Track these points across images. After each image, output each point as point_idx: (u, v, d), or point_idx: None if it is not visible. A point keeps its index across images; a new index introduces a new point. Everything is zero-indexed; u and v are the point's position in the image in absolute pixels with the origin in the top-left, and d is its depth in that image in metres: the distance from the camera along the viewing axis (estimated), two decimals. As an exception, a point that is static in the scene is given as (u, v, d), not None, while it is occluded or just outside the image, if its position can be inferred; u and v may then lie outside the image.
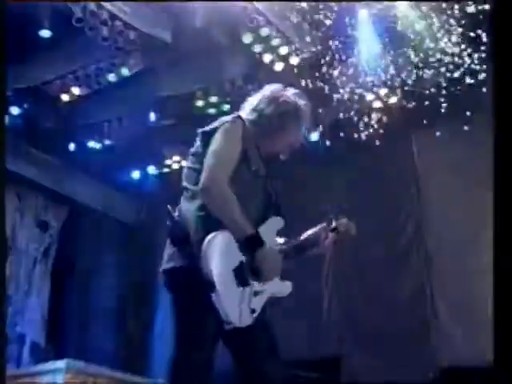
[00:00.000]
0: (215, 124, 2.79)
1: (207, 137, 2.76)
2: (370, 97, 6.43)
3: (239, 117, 2.84)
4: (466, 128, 6.13)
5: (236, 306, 2.52)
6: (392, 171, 6.77)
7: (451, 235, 6.27)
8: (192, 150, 2.86)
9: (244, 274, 2.57)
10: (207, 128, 2.80)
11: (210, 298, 2.48)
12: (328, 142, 6.85)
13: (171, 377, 2.58)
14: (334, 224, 3.01)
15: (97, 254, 8.36)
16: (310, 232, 2.94)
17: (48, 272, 7.76)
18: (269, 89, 2.99)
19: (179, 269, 2.63)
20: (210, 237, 2.51)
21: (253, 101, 2.97)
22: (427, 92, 6.21)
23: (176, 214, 2.70)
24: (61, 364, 4.90)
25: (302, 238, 2.96)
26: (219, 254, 2.51)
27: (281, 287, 2.80)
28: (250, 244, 2.60)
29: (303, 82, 5.98)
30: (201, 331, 2.57)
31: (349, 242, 3.06)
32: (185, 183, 2.80)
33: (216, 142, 2.71)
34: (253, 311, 2.58)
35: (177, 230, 2.66)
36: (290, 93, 2.97)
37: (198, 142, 2.82)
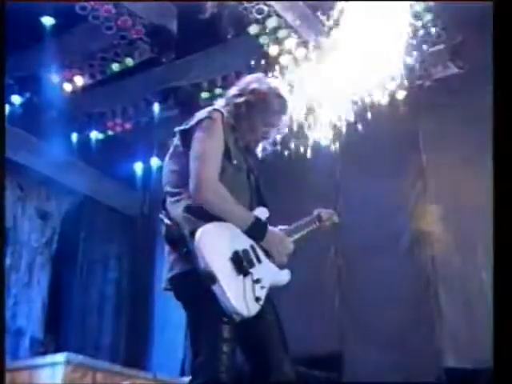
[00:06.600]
0: (193, 121, 2.71)
1: (187, 135, 2.69)
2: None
3: (216, 110, 2.75)
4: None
5: (241, 294, 2.47)
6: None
7: (457, 234, 6.18)
8: (170, 150, 2.79)
9: (242, 263, 2.52)
10: (185, 126, 2.72)
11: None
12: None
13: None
14: (316, 212, 3.04)
15: (98, 245, 8.30)
16: (295, 225, 2.93)
17: (49, 263, 7.69)
18: (244, 79, 2.95)
19: (183, 274, 2.55)
20: (199, 230, 2.46)
21: (229, 91, 2.94)
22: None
23: (167, 220, 2.62)
24: (60, 357, 4.84)
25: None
26: (212, 245, 2.47)
27: (280, 276, 2.77)
28: (256, 231, 2.60)
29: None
30: (223, 334, 2.48)
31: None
32: (167, 188, 2.72)
33: (198, 140, 2.64)
34: (257, 299, 2.53)
35: (173, 235, 2.59)
36: (264, 81, 2.91)
37: (176, 142, 2.75)
